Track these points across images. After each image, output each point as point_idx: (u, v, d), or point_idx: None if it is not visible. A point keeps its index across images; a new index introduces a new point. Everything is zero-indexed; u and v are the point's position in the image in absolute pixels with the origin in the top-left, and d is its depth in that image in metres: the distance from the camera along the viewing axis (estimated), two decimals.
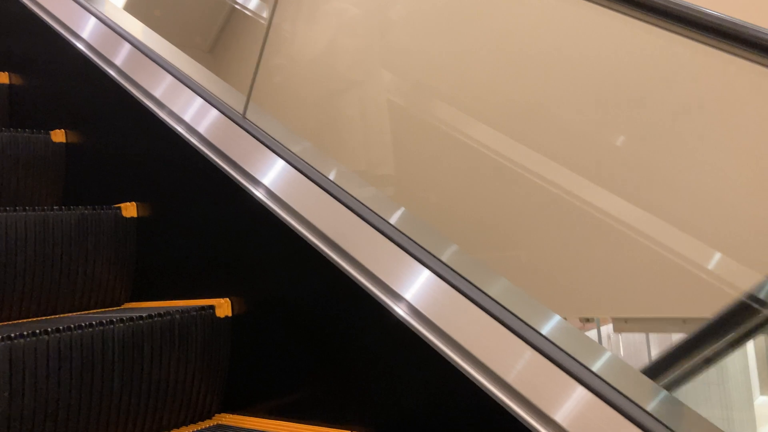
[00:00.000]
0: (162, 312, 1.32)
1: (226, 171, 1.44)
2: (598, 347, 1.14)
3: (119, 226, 1.64)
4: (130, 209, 1.67)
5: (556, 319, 1.06)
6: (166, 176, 1.65)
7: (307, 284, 1.31)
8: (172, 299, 1.55)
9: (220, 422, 1.38)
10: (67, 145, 1.90)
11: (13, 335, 1.11)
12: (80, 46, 1.86)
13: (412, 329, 1.09)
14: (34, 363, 1.13)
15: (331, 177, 1.34)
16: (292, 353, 1.31)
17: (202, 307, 1.38)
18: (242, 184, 1.41)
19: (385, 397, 1.16)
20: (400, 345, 1.13)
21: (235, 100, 1.55)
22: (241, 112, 1.50)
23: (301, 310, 1.30)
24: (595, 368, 0.95)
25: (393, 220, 1.21)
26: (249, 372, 1.40)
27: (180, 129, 1.57)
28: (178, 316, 1.33)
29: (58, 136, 1.89)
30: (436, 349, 1.06)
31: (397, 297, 1.14)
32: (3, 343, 1.09)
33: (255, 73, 1.53)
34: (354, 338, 1.21)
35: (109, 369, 1.22)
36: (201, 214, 1.54)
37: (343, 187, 1.30)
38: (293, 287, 1.33)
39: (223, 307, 1.41)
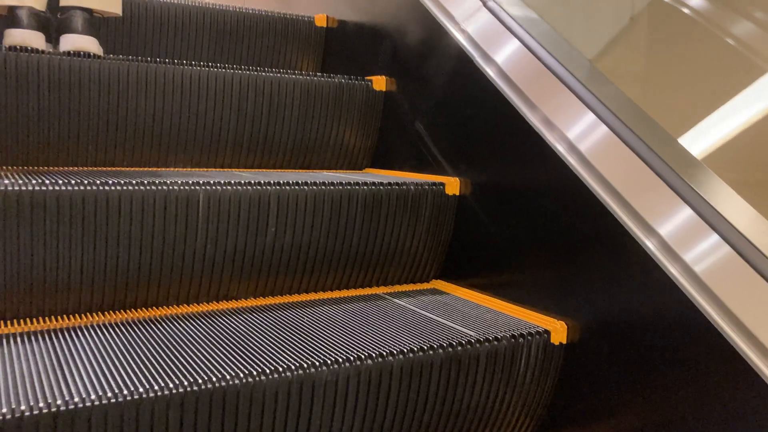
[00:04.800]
0: (399, 182, 1.47)
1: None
2: None
3: (369, 98, 1.80)
4: (380, 82, 1.81)
5: None
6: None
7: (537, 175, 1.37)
8: (407, 171, 1.70)
9: (435, 287, 1.54)
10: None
11: (282, 181, 1.32)
12: None
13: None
14: (295, 208, 1.34)
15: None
16: (511, 235, 1.40)
17: (434, 183, 1.51)
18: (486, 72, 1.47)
19: (601, 300, 1.22)
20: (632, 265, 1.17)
21: None
22: None
23: (524, 196, 1.38)
24: None
25: None
26: (468, 247, 1.52)
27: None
28: (413, 187, 1.48)
29: None
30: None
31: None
32: (275, 187, 1.30)
33: None
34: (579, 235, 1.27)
35: (351, 223, 1.40)
36: (450, 101, 1.64)
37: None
38: (520, 174, 1.41)
39: (452, 185, 1.53)
